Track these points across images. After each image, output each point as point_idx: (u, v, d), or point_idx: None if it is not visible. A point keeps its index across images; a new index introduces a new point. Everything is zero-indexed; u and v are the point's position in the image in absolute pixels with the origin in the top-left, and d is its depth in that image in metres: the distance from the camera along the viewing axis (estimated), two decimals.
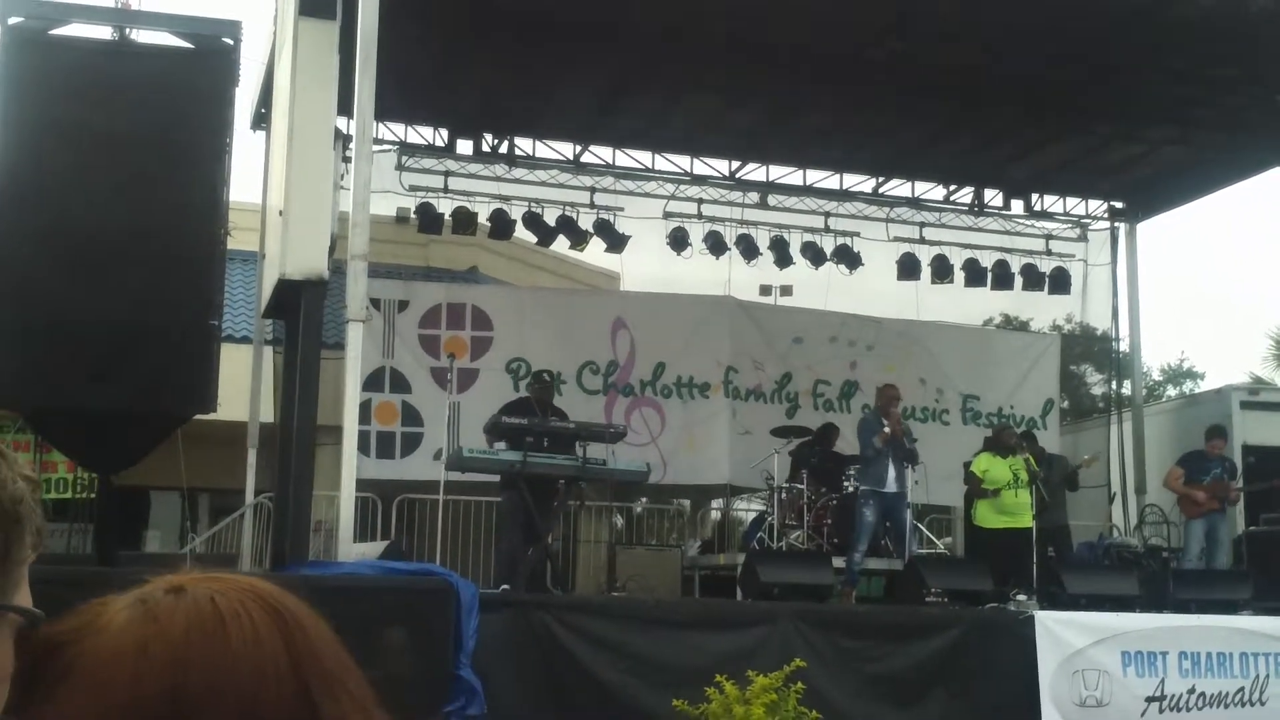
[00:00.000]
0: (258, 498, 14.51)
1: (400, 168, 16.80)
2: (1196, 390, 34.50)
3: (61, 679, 1.22)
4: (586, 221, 17.55)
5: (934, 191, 19.04)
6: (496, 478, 12.70)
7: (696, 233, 17.93)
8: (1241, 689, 11.25)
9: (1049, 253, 19.25)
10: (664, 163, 17.96)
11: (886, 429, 13.76)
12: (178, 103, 11.41)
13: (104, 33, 11.78)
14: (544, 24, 13.85)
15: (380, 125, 15.25)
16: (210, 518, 19.22)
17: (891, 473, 13.71)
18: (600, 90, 15.81)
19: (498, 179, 17.36)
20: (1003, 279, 18.95)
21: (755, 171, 18.31)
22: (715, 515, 21.04)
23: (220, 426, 13.12)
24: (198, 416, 11.47)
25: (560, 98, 16.13)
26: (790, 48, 14.15)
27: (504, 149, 17.30)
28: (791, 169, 18.37)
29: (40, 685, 1.23)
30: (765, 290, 20.67)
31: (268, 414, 13.89)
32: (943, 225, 19.09)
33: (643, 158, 17.87)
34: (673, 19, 13.52)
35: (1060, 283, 19.15)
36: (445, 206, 17.08)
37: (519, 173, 17.46)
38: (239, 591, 1.27)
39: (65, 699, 1.21)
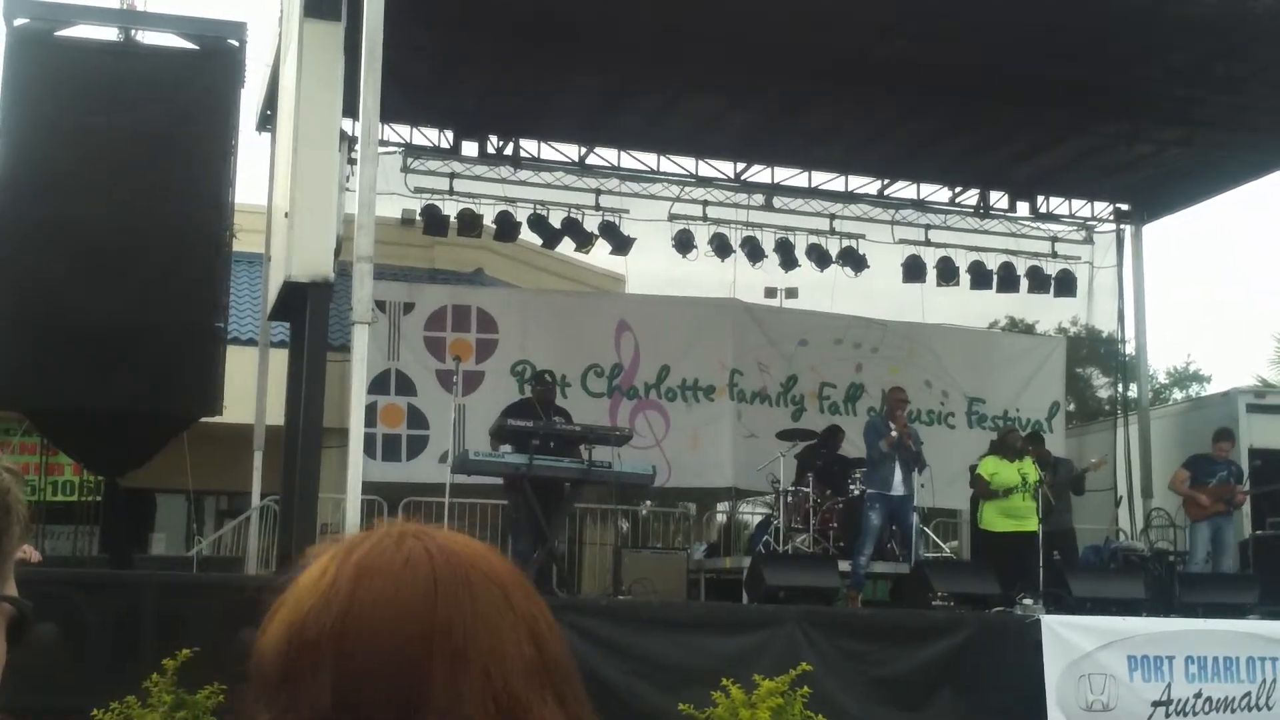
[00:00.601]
0: (264, 500, 14.50)
1: (405, 169, 16.79)
2: (1203, 393, 34.46)
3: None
4: (592, 223, 17.55)
5: (939, 194, 19.02)
6: (502, 480, 12.69)
7: (701, 235, 17.91)
8: (1248, 693, 11.21)
9: (1055, 255, 19.24)
10: (669, 164, 17.95)
11: (893, 433, 13.73)
12: (183, 104, 11.43)
13: (109, 34, 11.82)
14: (545, 24, 13.84)
15: (385, 127, 15.21)
16: (216, 520, 19.23)
17: (897, 476, 13.69)
18: (603, 90, 15.80)
19: (503, 181, 17.35)
20: (1008, 281, 18.93)
21: (760, 173, 18.29)
22: (721, 518, 21.02)
23: (226, 429, 13.12)
24: (204, 419, 11.48)
25: (563, 98, 16.13)
26: (792, 47, 14.13)
27: (509, 150, 17.28)
28: (796, 171, 18.35)
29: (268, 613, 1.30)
30: (770, 292, 20.65)
31: (274, 417, 13.89)
32: (948, 228, 19.07)
33: (648, 159, 17.85)
34: (673, 19, 13.50)
35: (1066, 285, 19.14)
36: (450, 208, 17.08)
37: (524, 174, 17.46)
38: (439, 549, 1.28)
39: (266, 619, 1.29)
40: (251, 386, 14.49)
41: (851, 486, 14.98)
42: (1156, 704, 10.90)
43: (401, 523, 1.33)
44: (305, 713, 1.20)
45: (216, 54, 11.70)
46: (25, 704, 7.15)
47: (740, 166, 18.18)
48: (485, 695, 1.21)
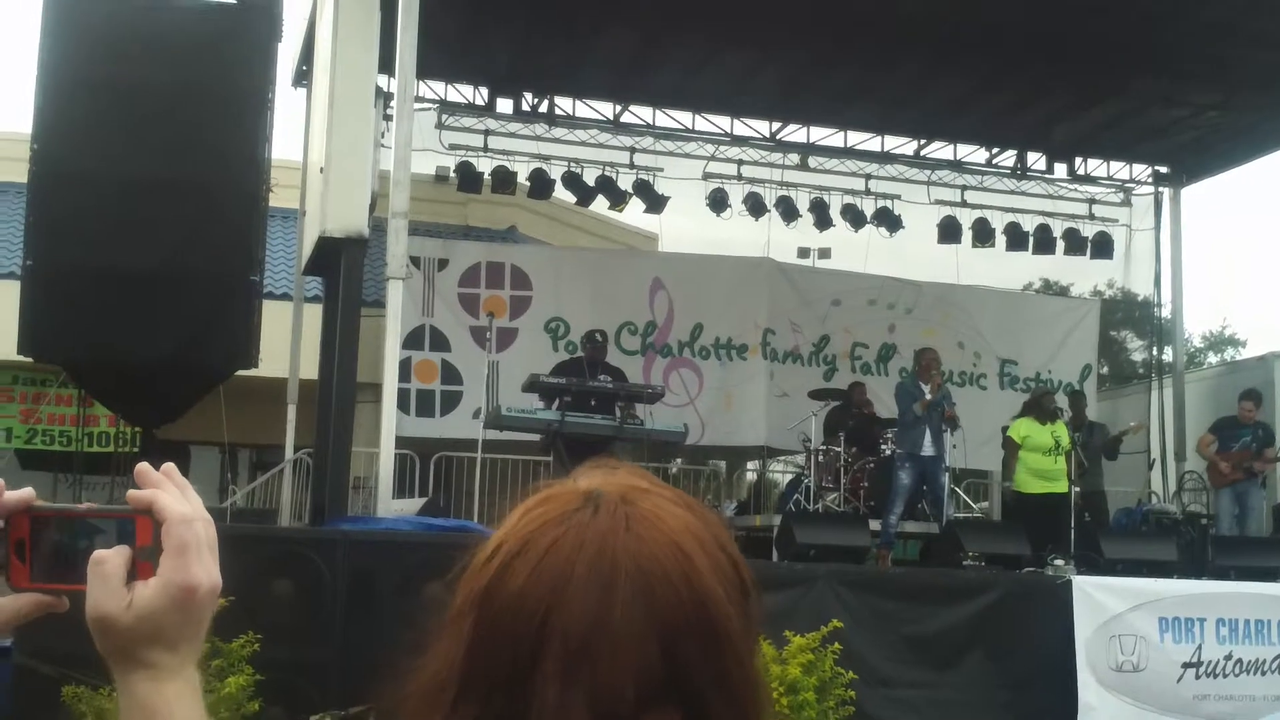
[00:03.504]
0: (297, 453, 14.61)
1: (440, 126, 16.82)
2: (1238, 357, 34.24)
3: None
4: (626, 182, 17.55)
5: (976, 154, 18.91)
6: (535, 437, 12.73)
7: (736, 194, 17.90)
8: (1279, 656, 11.19)
9: (1092, 217, 19.14)
10: (704, 123, 17.91)
11: (927, 395, 13.69)
12: (220, 58, 11.39)
13: None
14: None
15: (420, 83, 15.21)
16: (249, 473, 19.38)
17: (928, 436, 13.66)
18: (636, 45, 15.71)
19: (537, 138, 17.36)
20: (1044, 243, 18.85)
21: (796, 133, 18.22)
22: (750, 477, 21.06)
23: (260, 382, 13.19)
24: (239, 372, 11.54)
25: (597, 54, 16.07)
26: (826, 2, 14.05)
27: (544, 108, 17.28)
28: (832, 130, 18.27)
29: None
30: (803, 252, 20.62)
31: (308, 371, 13.96)
32: (984, 189, 18.99)
33: (683, 118, 17.81)
34: None
35: (1102, 247, 19.04)
36: (485, 165, 17.13)
37: (558, 132, 17.46)
38: (600, 536, 1.24)
39: None
40: (286, 341, 14.58)
41: (882, 446, 14.97)
42: (1187, 665, 10.89)
43: (623, 472, 1.36)
44: (443, 659, 1.25)
45: (254, 8, 11.65)
46: (67, 650, 7.28)
47: (775, 126, 18.10)
48: (589, 699, 1.17)
